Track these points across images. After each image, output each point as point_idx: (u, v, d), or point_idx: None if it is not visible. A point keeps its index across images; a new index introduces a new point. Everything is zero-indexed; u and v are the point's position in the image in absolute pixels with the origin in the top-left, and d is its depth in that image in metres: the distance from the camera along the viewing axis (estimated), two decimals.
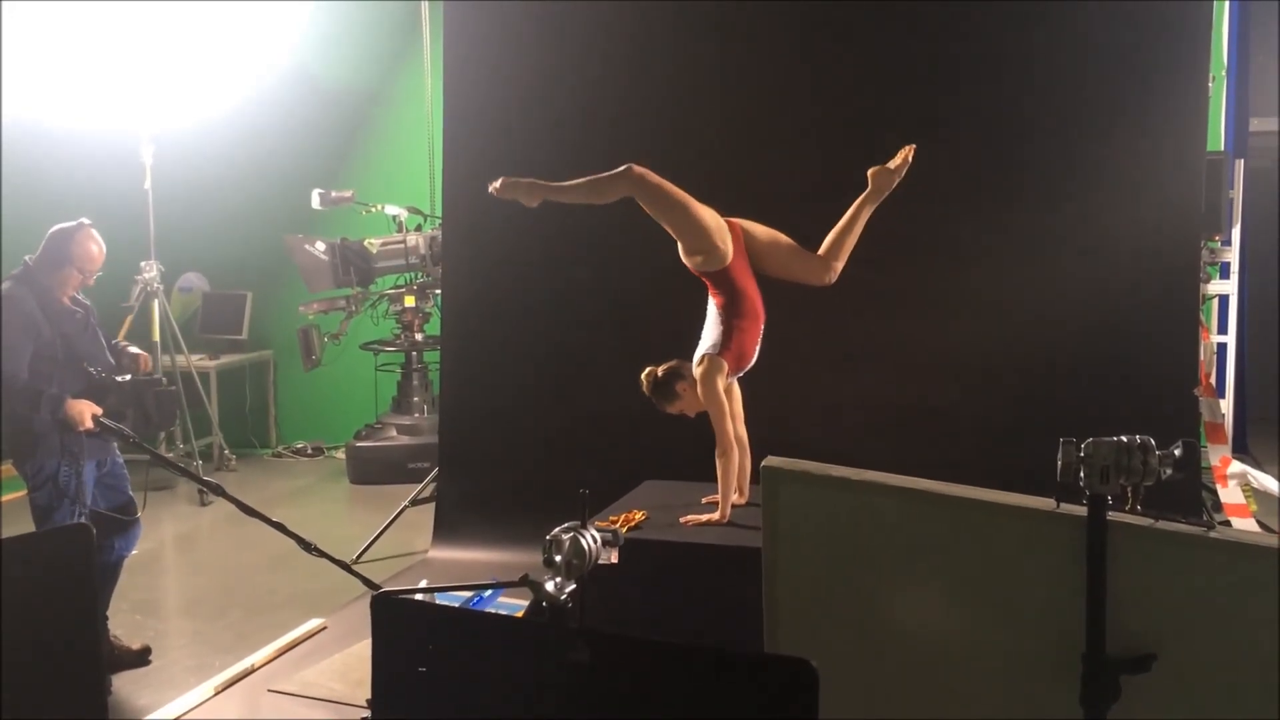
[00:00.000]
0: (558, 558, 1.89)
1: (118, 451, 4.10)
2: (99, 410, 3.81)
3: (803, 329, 4.64)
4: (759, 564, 2.34)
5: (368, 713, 1.79)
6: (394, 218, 6.82)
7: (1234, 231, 5.95)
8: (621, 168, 3.78)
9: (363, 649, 4.01)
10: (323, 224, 7.16)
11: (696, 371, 3.86)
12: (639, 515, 3.97)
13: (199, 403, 7.09)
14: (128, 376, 4.00)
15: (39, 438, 3.79)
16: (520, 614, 1.96)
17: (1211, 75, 5.10)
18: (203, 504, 6.40)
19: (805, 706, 1.46)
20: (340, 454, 7.45)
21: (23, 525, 3.91)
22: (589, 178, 3.84)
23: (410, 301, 6.87)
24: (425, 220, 6.86)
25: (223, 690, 3.87)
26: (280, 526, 3.95)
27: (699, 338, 3.92)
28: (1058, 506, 2.10)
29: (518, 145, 5.25)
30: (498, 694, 1.69)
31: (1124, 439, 1.96)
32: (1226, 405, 6.02)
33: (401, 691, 1.75)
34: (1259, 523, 5.11)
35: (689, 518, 3.90)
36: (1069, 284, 4.90)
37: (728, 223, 3.89)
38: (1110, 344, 4.87)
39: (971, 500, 2.21)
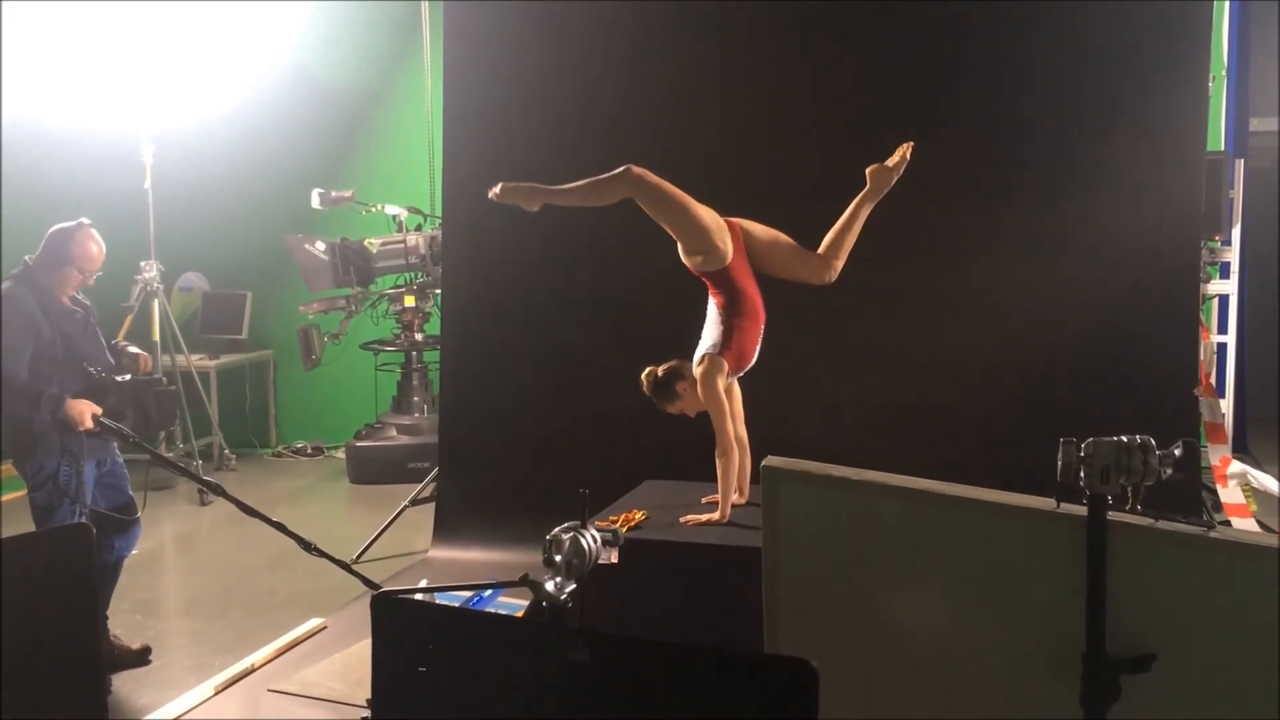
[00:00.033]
0: (558, 558, 1.89)
1: (118, 451, 4.10)
2: (99, 410, 3.81)
3: (803, 329, 4.63)
4: (759, 564, 2.33)
5: (368, 713, 1.79)
6: (394, 218, 6.83)
7: (1234, 231, 5.95)
8: (620, 169, 3.78)
9: (363, 649, 4.01)
10: (323, 224, 7.16)
11: (697, 371, 3.86)
12: (639, 515, 3.97)
13: (199, 403, 7.09)
14: (128, 376, 4.00)
15: (39, 437, 3.79)
16: (520, 614, 1.96)
17: (1211, 75, 5.10)
18: (203, 504, 6.40)
19: (805, 706, 1.46)
20: (340, 454, 7.45)
21: (23, 525, 3.91)
22: (588, 180, 3.84)
23: (410, 301, 6.87)
24: (425, 220, 6.86)
25: (223, 690, 3.87)
26: (280, 526, 3.95)
27: (699, 338, 3.92)
28: (1058, 506, 2.10)
29: (518, 145, 5.26)
30: (498, 694, 1.69)
31: (1124, 439, 1.96)
32: (1226, 405, 6.02)
33: (401, 691, 1.75)
34: (1259, 523, 5.11)
35: (689, 518, 3.90)
36: (1069, 284, 4.90)
37: (727, 222, 3.89)
38: (1110, 344, 4.87)
39: (971, 500, 2.21)
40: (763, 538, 2.34)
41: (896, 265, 4.81)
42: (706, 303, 3.94)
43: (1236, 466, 5.29)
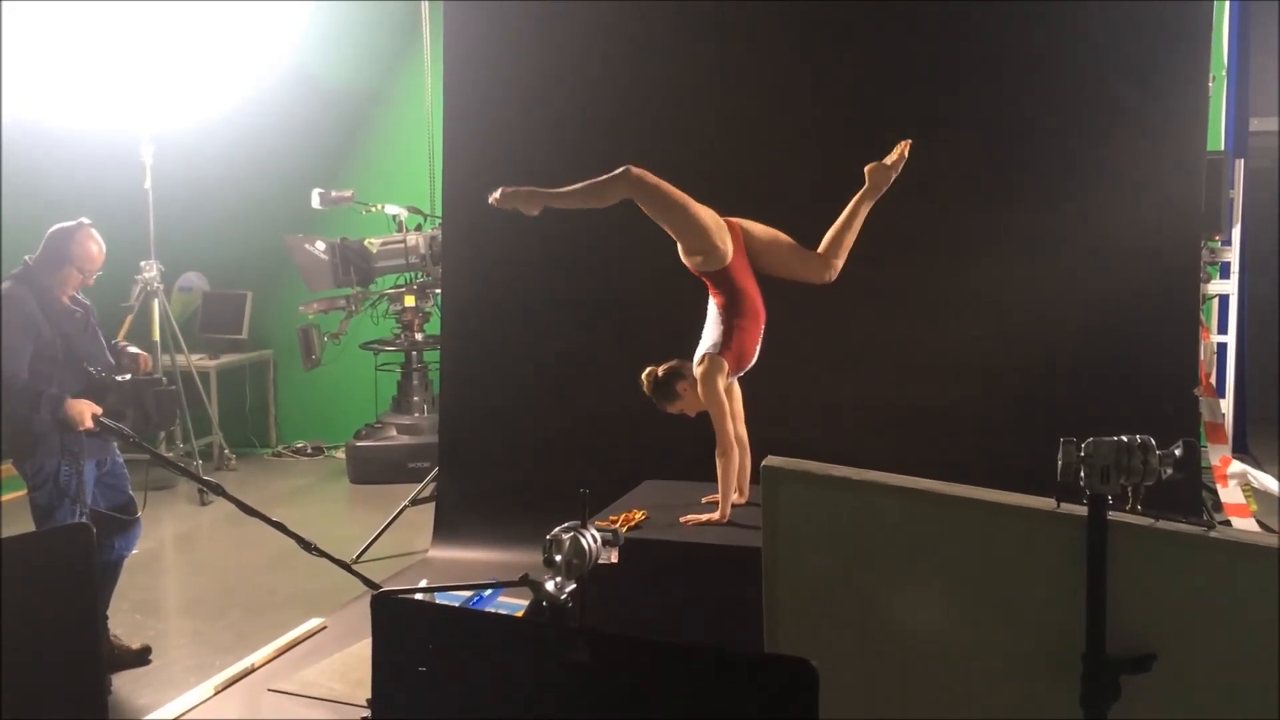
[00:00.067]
0: (558, 557, 1.89)
1: (118, 451, 4.10)
2: (99, 410, 3.81)
3: (803, 329, 4.63)
4: (759, 564, 2.33)
5: (368, 713, 1.79)
6: (394, 217, 6.83)
7: (1234, 231, 5.95)
8: (619, 170, 3.78)
9: (363, 649, 4.01)
10: (323, 224, 7.16)
11: (697, 371, 3.86)
12: (639, 515, 3.97)
13: (199, 402, 7.09)
14: (128, 376, 4.00)
15: (39, 437, 3.79)
16: (520, 614, 1.96)
17: (1211, 75, 5.09)
18: (203, 504, 6.40)
19: (805, 706, 1.46)
20: (340, 454, 7.45)
21: (23, 525, 3.91)
22: (587, 182, 3.84)
23: (410, 301, 6.87)
24: (425, 220, 6.86)
25: (223, 690, 3.87)
26: (280, 526, 3.95)
27: (699, 338, 3.92)
28: (1058, 506, 2.10)
29: (518, 145, 5.26)
30: (498, 694, 1.68)
31: (1124, 439, 1.96)
32: (1226, 405, 6.02)
33: (401, 691, 1.75)
34: (1259, 523, 5.11)
35: (689, 517, 3.90)
36: (1069, 284, 4.90)
37: (727, 222, 3.89)
38: (1110, 344, 4.87)
39: (972, 500, 2.21)
40: (763, 538, 2.34)
41: (896, 265, 4.81)
42: (706, 303, 3.94)
43: (1236, 466, 5.29)
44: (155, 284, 6.73)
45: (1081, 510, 2.01)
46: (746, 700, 1.53)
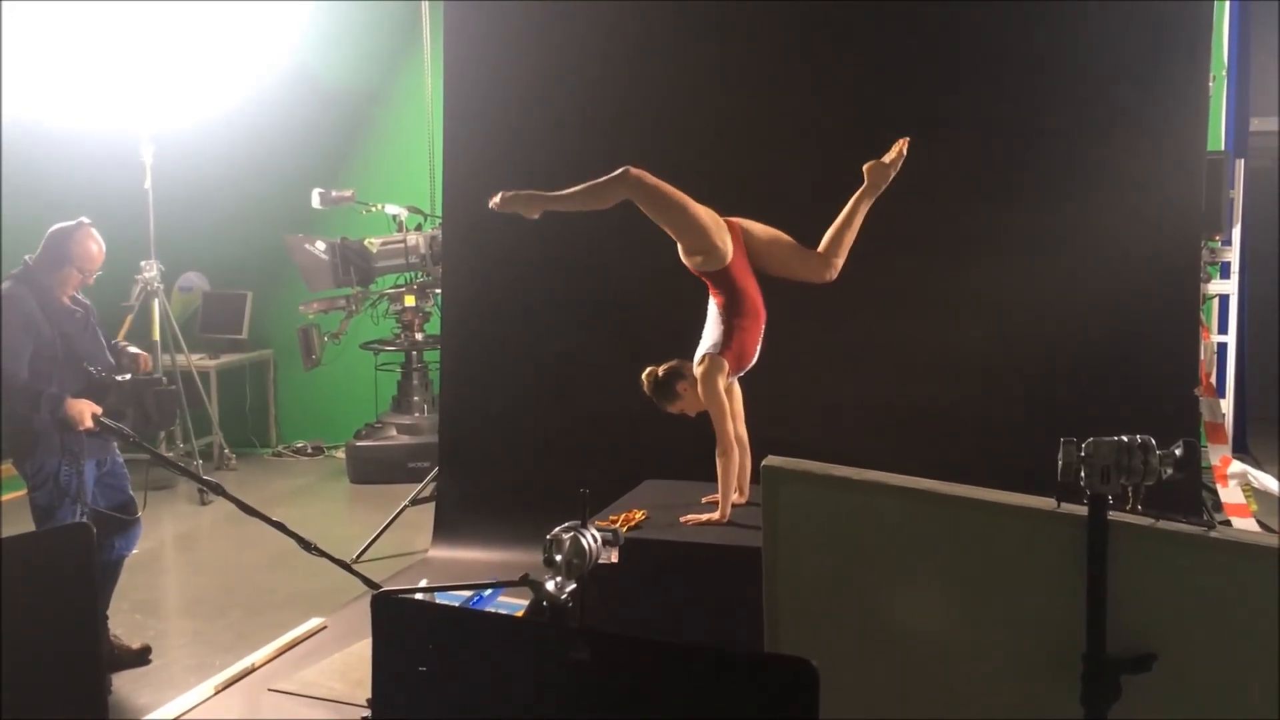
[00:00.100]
0: (558, 557, 1.89)
1: (118, 451, 4.10)
2: (99, 410, 3.81)
3: (803, 329, 4.63)
4: (759, 564, 2.33)
5: (368, 712, 1.79)
6: (394, 217, 6.83)
7: (1234, 231, 5.94)
8: (618, 171, 3.78)
9: (363, 649, 4.01)
10: (323, 224, 7.16)
11: (697, 371, 3.86)
12: (639, 515, 3.97)
13: (199, 402, 7.09)
14: (128, 376, 4.00)
15: (39, 437, 3.80)
16: (520, 614, 1.96)
17: (1211, 75, 5.09)
18: (203, 503, 6.40)
19: (805, 706, 1.46)
20: (340, 453, 7.45)
21: (23, 525, 3.91)
22: (587, 184, 3.84)
23: (410, 301, 6.87)
24: (425, 220, 6.86)
25: (223, 690, 3.87)
26: (280, 526, 3.95)
27: (699, 338, 3.92)
28: (1058, 506, 2.10)
29: (518, 145, 5.25)
30: (498, 694, 1.68)
31: (1124, 439, 1.96)
32: (1226, 405, 6.02)
33: (401, 691, 1.75)
34: (1259, 523, 5.11)
35: (689, 517, 3.90)
36: (1069, 284, 4.90)
37: (727, 222, 3.89)
38: (1110, 344, 4.87)
39: (972, 500, 2.21)
40: (763, 538, 2.34)
41: (896, 265, 4.81)
42: (706, 303, 3.94)
43: (1236, 466, 5.29)
44: (155, 284, 6.73)
45: (1082, 510, 2.01)
46: (747, 700, 1.53)
